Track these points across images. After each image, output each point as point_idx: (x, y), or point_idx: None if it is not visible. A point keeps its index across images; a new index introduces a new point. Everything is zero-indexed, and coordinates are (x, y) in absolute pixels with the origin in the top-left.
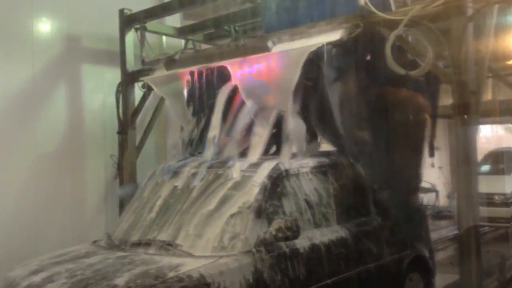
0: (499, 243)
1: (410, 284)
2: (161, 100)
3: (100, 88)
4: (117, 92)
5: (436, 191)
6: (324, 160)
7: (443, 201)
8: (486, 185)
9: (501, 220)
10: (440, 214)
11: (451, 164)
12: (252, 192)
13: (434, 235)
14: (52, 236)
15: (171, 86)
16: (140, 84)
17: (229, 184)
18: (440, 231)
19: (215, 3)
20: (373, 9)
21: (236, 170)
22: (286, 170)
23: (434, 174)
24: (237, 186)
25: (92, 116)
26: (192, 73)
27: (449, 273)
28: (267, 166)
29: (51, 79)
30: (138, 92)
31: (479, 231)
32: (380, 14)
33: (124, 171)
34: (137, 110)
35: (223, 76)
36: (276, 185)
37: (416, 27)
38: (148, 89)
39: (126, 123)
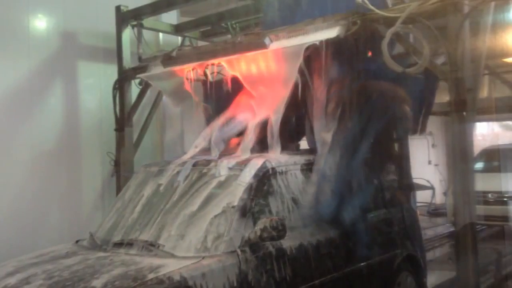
0: (494, 241)
1: (401, 284)
2: (158, 97)
3: (96, 85)
4: (114, 89)
5: (433, 188)
6: (313, 158)
7: (439, 199)
8: (479, 183)
9: (494, 218)
10: (436, 212)
11: (447, 161)
12: (237, 191)
13: (430, 232)
14: (49, 233)
15: (170, 82)
16: (137, 81)
17: (214, 182)
18: (436, 228)
19: (212, 0)
20: (370, 6)
21: (223, 168)
22: (273, 168)
23: (431, 171)
24: (222, 184)
25: (89, 113)
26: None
27: (447, 270)
28: (254, 164)
29: (47, 76)
30: (135, 89)
31: (475, 228)
32: (377, 11)
33: (121, 168)
34: (134, 107)
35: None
36: (263, 183)
37: (413, 24)
38: (145, 86)
39: (123, 121)
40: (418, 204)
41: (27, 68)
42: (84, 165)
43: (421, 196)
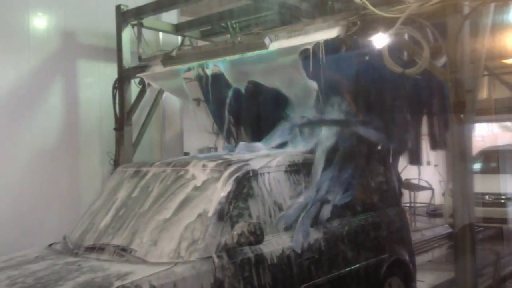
0: (493, 242)
1: None
2: (158, 96)
3: (96, 84)
4: (114, 88)
5: (432, 189)
6: (297, 159)
7: (438, 199)
8: (476, 184)
9: (491, 220)
10: (435, 212)
11: (446, 162)
12: (215, 194)
13: (428, 233)
14: (48, 232)
15: (171, 82)
16: (136, 80)
17: (191, 185)
18: (435, 229)
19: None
20: (370, 7)
21: (202, 170)
22: (254, 170)
23: (430, 172)
24: (200, 187)
25: (89, 112)
26: None
27: (446, 271)
28: (234, 166)
29: (47, 75)
30: (134, 88)
31: (474, 229)
32: (377, 12)
33: None
34: (133, 107)
35: None
36: (242, 186)
37: (412, 25)
38: (144, 86)
39: (122, 120)
40: (417, 205)
41: (27, 67)
42: (83, 164)
43: (420, 197)
